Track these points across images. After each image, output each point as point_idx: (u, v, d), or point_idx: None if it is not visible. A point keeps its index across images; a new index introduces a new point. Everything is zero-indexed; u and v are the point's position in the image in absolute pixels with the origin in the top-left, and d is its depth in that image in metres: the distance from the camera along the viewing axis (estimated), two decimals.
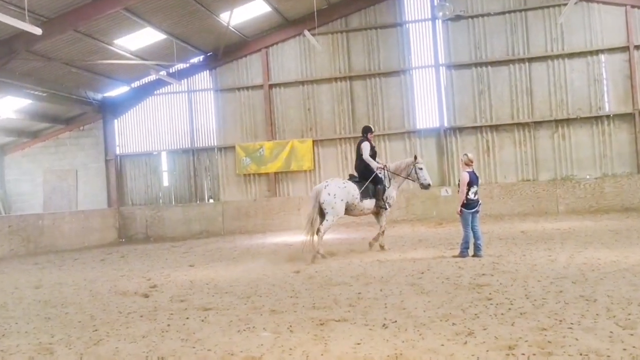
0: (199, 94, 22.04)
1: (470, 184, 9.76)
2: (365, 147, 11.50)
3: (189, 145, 21.97)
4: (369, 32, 20.64)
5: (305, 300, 6.96)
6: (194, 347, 5.09)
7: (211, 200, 21.74)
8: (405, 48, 20.43)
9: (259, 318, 6.11)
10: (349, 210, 11.39)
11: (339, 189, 11.20)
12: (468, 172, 9.90)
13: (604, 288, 6.48)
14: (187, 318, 6.35)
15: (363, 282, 7.96)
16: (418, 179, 11.60)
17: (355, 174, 11.74)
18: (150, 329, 5.92)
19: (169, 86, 21.87)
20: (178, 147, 22.07)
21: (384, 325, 5.45)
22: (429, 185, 11.69)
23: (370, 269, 9.12)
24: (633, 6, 18.53)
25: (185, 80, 21.87)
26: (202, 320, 6.17)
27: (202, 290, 8.24)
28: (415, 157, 11.73)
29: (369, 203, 11.44)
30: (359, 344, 4.85)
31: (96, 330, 6.04)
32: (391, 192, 11.70)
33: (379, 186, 11.47)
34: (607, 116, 18.85)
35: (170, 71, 21.48)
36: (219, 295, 7.68)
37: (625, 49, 18.68)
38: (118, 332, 5.85)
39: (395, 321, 5.56)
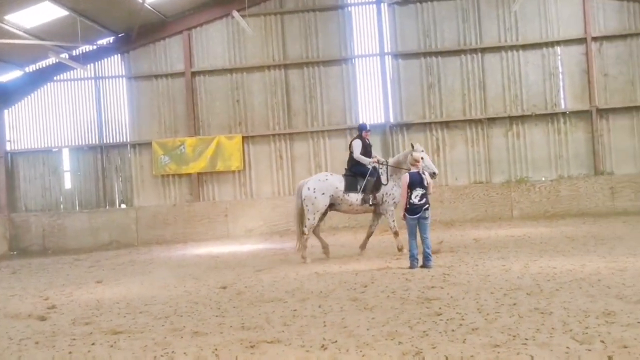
0: (109, 81, 21.43)
1: (411, 187, 9.99)
2: (356, 145, 12.20)
3: (97, 141, 21.30)
4: (306, 14, 20.73)
5: (233, 319, 6.90)
6: None
7: (123, 206, 21.16)
8: (347, 34, 20.66)
9: (179, 341, 5.99)
10: (336, 204, 12.20)
11: (320, 182, 12.11)
12: (410, 173, 10.15)
13: (560, 299, 6.77)
14: (93, 344, 6.15)
15: (299, 297, 7.97)
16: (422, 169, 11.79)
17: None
18: (48, 357, 5.70)
19: (72, 71, 21.15)
20: (83, 143, 21.35)
21: (322, 346, 5.47)
22: (435, 173, 11.60)
23: (307, 283, 9.14)
24: None
25: (92, 65, 21.20)
26: (111, 346, 5.99)
27: (112, 310, 8.03)
28: (413, 146, 11.85)
29: (355, 197, 11.99)
30: None
31: None
32: (390, 189, 11.99)
33: (368, 178, 11.88)
34: (564, 113, 19.78)
35: (74, 54, 20.76)
36: (131, 316, 7.49)
37: (582, 40, 19.67)
38: None
39: (336, 341, 5.59)
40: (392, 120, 20.40)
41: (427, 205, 10.08)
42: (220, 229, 19.90)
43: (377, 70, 20.65)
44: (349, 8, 20.76)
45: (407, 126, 20.38)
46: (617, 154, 19.47)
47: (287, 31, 20.81)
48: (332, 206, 12.29)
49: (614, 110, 19.54)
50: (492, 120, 20.04)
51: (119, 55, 21.25)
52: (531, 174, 19.77)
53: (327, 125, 20.59)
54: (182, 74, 20.96)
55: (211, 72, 20.97)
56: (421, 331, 5.76)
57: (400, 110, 20.45)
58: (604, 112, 19.56)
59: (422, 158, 11.15)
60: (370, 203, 12.00)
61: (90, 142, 21.35)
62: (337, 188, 12.01)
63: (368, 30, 20.77)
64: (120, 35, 20.87)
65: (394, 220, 11.98)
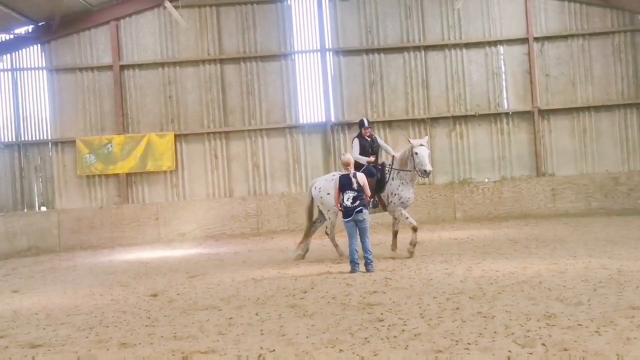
0: (28, 73, 20.67)
1: (341, 189, 10.20)
2: (355, 144, 12.17)
3: (13, 138, 20.51)
4: (243, 7, 20.62)
5: (164, 329, 6.80)
6: None
7: (43, 208, 20.45)
8: (287, 29, 20.67)
9: (105, 354, 5.87)
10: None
11: (325, 182, 12.26)
12: (341, 175, 10.39)
13: (502, 303, 6.99)
14: (10, 359, 5.95)
15: (235, 305, 7.94)
16: (414, 166, 11.63)
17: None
18: None
19: None
20: None
21: (260, 355, 5.47)
22: (426, 172, 11.43)
23: (243, 290, 9.11)
24: None
25: (9, 55, 20.41)
26: None
27: (30, 322, 7.77)
28: (409, 141, 11.80)
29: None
30: None
31: None
32: (395, 189, 11.83)
33: (368, 178, 11.44)
34: (506, 114, 20.41)
35: None
36: (52, 328, 7.27)
37: (524, 40, 20.35)
38: None
39: (274, 350, 5.59)
40: (333, 119, 20.53)
41: (360, 208, 10.22)
42: (151, 233, 19.54)
43: (317, 67, 20.73)
44: (289, 1, 20.76)
45: (349, 125, 20.54)
46: (558, 155, 20.24)
47: (224, 24, 20.63)
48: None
49: (555, 111, 20.31)
50: (435, 120, 20.46)
51: (39, 45, 20.53)
52: (474, 175, 20.30)
53: (265, 124, 20.53)
54: (109, 67, 20.45)
55: (141, 66, 20.55)
56: (362, 338, 5.82)
57: (342, 109, 20.60)
58: (545, 113, 20.30)
59: (416, 153, 11.45)
60: (371, 205, 11.67)
61: (7, 140, 20.52)
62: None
63: (308, 25, 20.84)
64: (40, 24, 20.16)
65: (407, 217, 11.78)
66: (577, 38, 20.33)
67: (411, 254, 11.59)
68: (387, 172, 12.01)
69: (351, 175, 10.34)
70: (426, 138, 12.41)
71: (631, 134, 20.15)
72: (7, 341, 6.72)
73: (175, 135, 20.36)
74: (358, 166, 11.64)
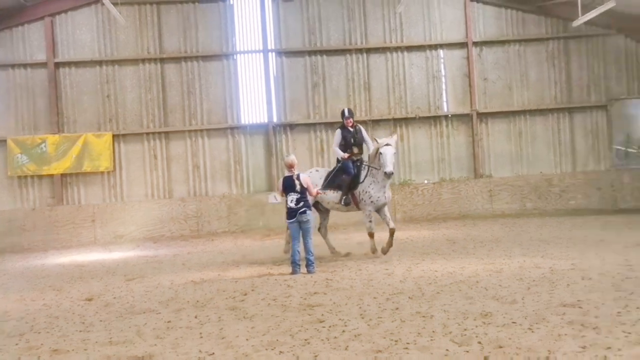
0: None
1: (285, 191, 10.29)
2: (336, 136, 12.12)
3: None
4: (185, 5, 20.34)
5: (100, 334, 6.65)
6: None
7: None
8: (229, 28, 20.51)
9: None
10: (318, 202, 12.03)
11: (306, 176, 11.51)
12: (284, 177, 10.43)
13: (441, 302, 7.12)
14: None
15: (174, 308, 7.83)
16: (379, 166, 11.55)
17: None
18: None
19: None
20: None
21: (199, 359, 5.41)
22: (387, 173, 11.30)
23: (182, 293, 8.99)
24: (472, 0, 20.73)
25: None
26: None
27: None
28: (376, 140, 11.70)
29: (333, 195, 11.85)
30: None
31: None
32: (367, 187, 11.69)
33: (344, 176, 11.63)
34: (446, 117, 20.83)
35: None
36: None
37: (463, 45, 20.82)
38: None
39: (213, 353, 5.55)
40: (275, 120, 20.48)
41: (304, 209, 10.26)
42: (87, 235, 19.05)
43: (260, 68, 20.64)
44: (231, 1, 20.59)
45: (291, 126, 20.56)
46: (495, 157, 20.79)
47: (164, 22, 20.30)
48: (317, 204, 12.12)
49: (492, 115, 20.85)
50: (376, 122, 20.67)
51: None
52: (414, 176, 20.62)
53: (206, 124, 20.30)
54: (43, 65, 19.80)
55: (78, 64, 19.98)
56: (303, 339, 5.83)
57: (284, 110, 20.58)
58: (483, 116, 20.82)
59: (381, 153, 11.44)
60: (343, 202, 11.74)
61: None
62: (316, 185, 11.41)
63: (251, 26, 20.71)
64: None
65: (370, 221, 11.72)
66: (513, 44, 20.93)
67: (385, 252, 11.57)
68: (362, 168, 11.78)
69: (294, 177, 10.35)
70: (394, 137, 12.41)
71: (563, 137, 20.88)
72: None
73: (113, 135, 19.90)
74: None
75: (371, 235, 11.75)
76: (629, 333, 5.35)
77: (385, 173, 11.34)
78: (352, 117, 12.15)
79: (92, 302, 8.80)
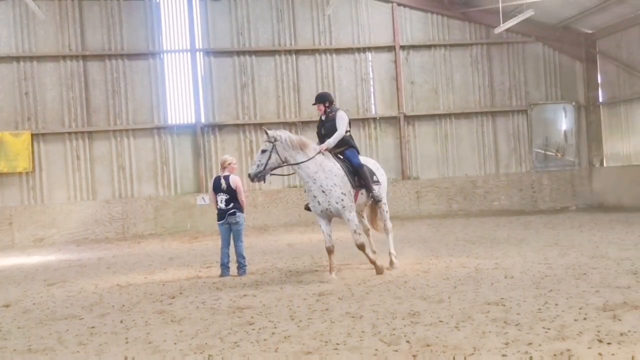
0: None
1: (215, 191, 10.20)
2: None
3: None
4: (108, 2, 19.85)
5: (18, 341, 6.36)
6: None
7: None
8: (156, 27, 20.14)
9: None
10: None
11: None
12: (215, 177, 10.33)
13: (370, 303, 7.21)
14: None
15: (98, 313, 7.60)
16: None
17: None
18: None
19: None
20: None
21: None
22: (249, 175, 9.47)
23: (107, 297, 8.75)
24: (399, 4, 21.14)
25: None
26: None
27: None
28: (266, 133, 9.79)
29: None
30: None
31: None
32: None
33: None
34: (374, 119, 21.13)
35: None
36: None
37: (391, 48, 21.20)
38: None
39: (137, 359, 5.43)
40: (203, 120, 20.23)
41: (234, 210, 10.15)
42: (3, 238, 18.29)
43: (187, 67, 20.38)
44: None
45: (220, 127, 20.36)
46: (422, 159, 21.28)
47: (86, 18, 19.71)
48: None
49: (419, 117, 21.33)
50: (305, 123, 20.72)
51: None
52: None
53: (132, 124, 19.83)
54: None
55: None
56: (232, 342, 5.77)
57: (213, 110, 20.37)
58: (410, 119, 21.26)
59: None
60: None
61: None
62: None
63: (178, 24, 20.44)
64: None
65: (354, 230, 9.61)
66: (439, 48, 21.48)
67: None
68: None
69: (222, 177, 10.23)
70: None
71: (487, 139, 21.59)
72: None
73: (32, 135, 19.15)
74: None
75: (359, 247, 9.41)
76: (549, 329, 5.57)
77: (250, 175, 9.52)
78: (322, 102, 10.36)
79: (9, 308, 8.40)
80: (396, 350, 5.20)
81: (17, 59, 19.29)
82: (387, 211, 10.40)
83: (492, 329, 5.70)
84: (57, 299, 8.87)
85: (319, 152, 9.54)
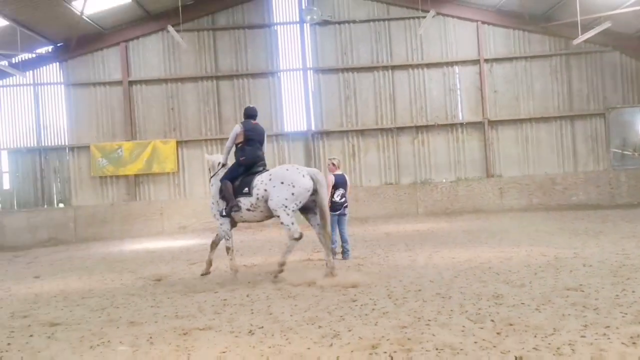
0: (48, 87, 20.38)
1: (335, 187, 10.12)
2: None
3: (35, 144, 20.21)
4: (236, 31, 20.54)
5: (168, 309, 6.71)
6: None
7: (61, 205, 20.17)
8: (274, 50, 20.63)
9: (115, 331, 5.77)
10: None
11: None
12: (335, 174, 10.25)
13: (458, 285, 7.03)
14: (31, 335, 5.82)
15: (229, 288, 7.86)
16: None
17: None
18: None
19: (11, 78, 19.97)
20: (22, 146, 20.20)
21: (250, 331, 5.43)
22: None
23: (236, 275, 8.99)
24: (484, 22, 20.42)
25: (31, 72, 20.11)
26: (49, 337, 5.68)
27: (49, 303, 7.61)
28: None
29: None
30: (224, 352, 4.78)
31: None
32: None
33: None
34: (461, 124, 20.56)
35: (13, 61, 19.61)
36: (68, 309, 7.14)
37: (476, 62, 20.53)
38: None
39: (262, 327, 5.56)
40: (313, 128, 20.53)
41: (346, 204, 10.21)
42: (156, 226, 19.37)
43: (300, 84, 20.72)
44: (275, 27, 20.73)
45: (327, 134, 20.57)
46: (504, 159, 20.45)
47: (219, 46, 20.53)
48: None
49: (502, 122, 20.51)
50: (400, 129, 20.54)
51: (58, 63, 20.26)
52: (434, 176, 20.43)
53: None
54: (119, 83, 20.24)
55: (148, 82, 20.37)
56: (338, 316, 5.81)
57: (321, 120, 20.61)
58: (494, 124, 20.49)
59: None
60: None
61: (29, 145, 20.23)
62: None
63: (292, 48, 20.82)
64: (59, 44, 19.90)
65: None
66: (520, 60, 20.55)
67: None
68: None
69: (345, 177, 10.31)
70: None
71: (565, 141, 20.42)
72: (30, 320, 6.60)
73: (177, 142, 20.21)
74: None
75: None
76: (626, 314, 5.21)
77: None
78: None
79: (160, 282, 8.89)
80: (482, 328, 5.05)
81: (166, 80, 20.41)
82: (282, 222, 8.30)
83: (572, 312, 5.41)
84: (197, 276, 9.27)
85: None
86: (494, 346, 4.52)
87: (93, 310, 6.96)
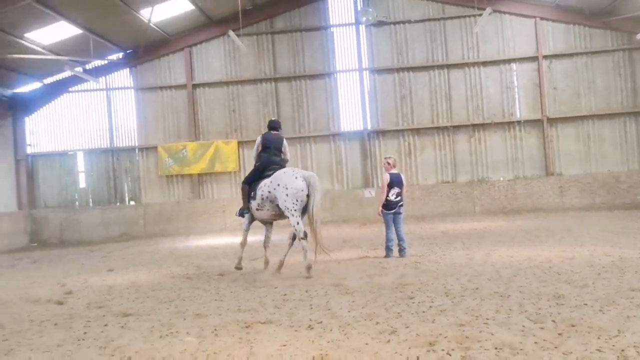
0: (118, 92, 21.23)
1: (390, 185, 10.02)
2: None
3: (108, 145, 21.11)
4: (294, 34, 20.73)
5: (230, 302, 6.85)
6: (112, 355, 4.88)
7: (132, 203, 20.98)
8: (330, 51, 20.68)
9: (182, 322, 5.94)
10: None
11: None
12: (390, 173, 10.14)
13: (517, 284, 6.82)
14: (106, 325, 6.07)
15: (288, 283, 7.93)
16: None
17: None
18: (66, 337, 5.61)
19: (85, 83, 20.92)
20: (96, 147, 21.15)
21: (309, 326, 5.46)
22: None
23: (295, 271, 9.09)
24: (542, 18, 19.74)
25: (104, 77, 21.02)
26: (122, 327, 5.92)
27: (122, 295, 7.92)
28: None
29: None
30: (284, 345, 4.84)
31: (6, 340, 5.64)
32: None
33: None
34: (519, 122, 19.96)
35: (87, 68, 20.55)
36: (140, 300, 7.41)
37: (534, 58, 19.87)
38: (30, 342, 5.50)
39: (321, 322, 5.58)
40: (369, 127, 20.45)
41: (402, 203, 10.09)
42: (218, 223, 19.82)
43: (356, 84, 20.69)
44: (332, 29, 20.78)
45: (383, 133, 20.45)
46: (565, 157, 19.71)
47: (277, 49, 20.77)
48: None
49: (562, 119, 19.77)
50: (456, 127, 20.17)
51: (128, 69, 21.07)
52: (491, 174, 19.94)
53: (312, 132, 20.59)
54: (184, 86, 20.84)
55: (210, 85, 20.87)
56: (396, 313, 5.77)
57: (377, 119, 20.51)
58: (553, 121, 19.78)
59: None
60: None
61: (102, 146, 21.15)
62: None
63: (348, 49, 20.81)
64: (128, 51, 20.70)
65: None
66: (581, 56, 19.75)
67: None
68: None
69: (401, 175, 10.20)
70: None
71: (629, 138, 19.48)
72: (105, 311, 6.89)
73: (238, 142, 20.61)
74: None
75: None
76: None
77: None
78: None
79: (223, 277, 9.06)
80: (542, 328, 4.88)
81: (227, 83, 20.85)
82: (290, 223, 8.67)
83: (637, 313, 5.14)
84: (258, 271, 9.41)
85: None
86: (555, 347, 4.36)
87: (162, 302, 7.17)
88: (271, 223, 9.81)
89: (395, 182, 10.04)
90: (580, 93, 19.75)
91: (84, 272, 10.95)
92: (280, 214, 9.03)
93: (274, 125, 9.81)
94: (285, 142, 9.69)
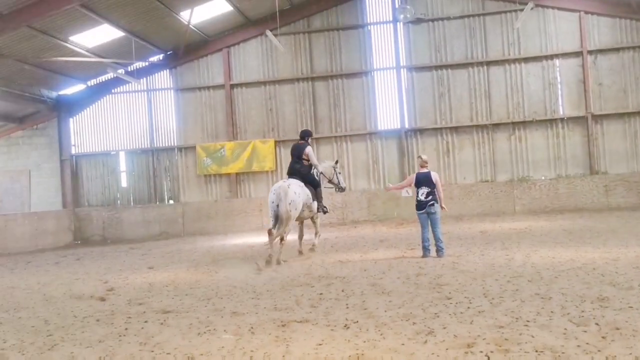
0: (159, 93, 21.68)
1: (417, 185, 9.95)
2: (313, 153, 11.54)
3: (149, 145, 21.58)
4: (331, 33, 20.73)
5: (267, 301, 6.91)
6: (152, 351, 4.99)
7: (171, 201, 21.40)
8: (367, 50, 20.60)
9: (220, 320, 6.04)
10: (300, 212, 10.80)
11: (301, 188, 10.73)
12: (417, 173, 10.11)
13: (559, 286, 6.66)
14: (146, 321, 6.22)
15: (325, 282, 7.96)
16: (338, 182, 12.00)
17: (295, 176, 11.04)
18: (107, 333, 5.78)
19: (127, 85, 21.44)
20: (137, 147, 21.65)
21: (345, 325, 5.46)
22: (345, 188, 12.39)
23: (332, 270, 9.12)
24: (587, 12, 19.17)
25: (145, 79, 21.48)
26: (161, 324, 6.06)
27: (162, 292, 8.10)
28: (337, 162, 12.40)
29: (315, 206, 11.19)
30: (320, 344, 4.85)
31: (50, 335, 5.85)
32: (320, 195, 11.46)
33: (318, 189, 11.31)
34: (562, 119, 19.45)
35: (129, 69, 21.05)
36: (178, 298, 7.56)
37: (578, 54, 19.31)
38: (73, 337, 5.69)
39: (357, 321, 5.58)
40: (407, 126, 20.29)
41: (432, 202, 9.93)
42: (255, 222, 19.98)
43: (393, 82, 20.55)
44: (369, 27, 20.69)
45: (421, 131, 20.25)
46: (610, 155, 19.10)
47: (314, 48, 20.82)
48: None
49: (607, 116, 19.16)
50: (496, 125, 19.80)
51: (168, 70, 21.49)
52: (532, 173, 19.49)
53: (349, 131, 20.55)
54: (222, 87, 21.11)
55: (247, 85, 21.08)
56: (433, 313, 5.72)
57: (415, 117, 20.32)
58: (598, 118, 19.20)
59: (339, 173, 12.24)
60: (325, 210, 11.47)
61: (143, 146, 21.64)
62: (309, 196, 10.91)
63: (385, 46, 20.68)
64: (168, 52, 21.11)
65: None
66: (628, 50, 19.09)
67: (301, 253, 11.38)
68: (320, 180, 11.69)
69: (432, 174, 10.06)
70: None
71: None
72: (145, 307, 7.06)
73: (275, 141, 20.75)
74: (309, 173, 11.34)
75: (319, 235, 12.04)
76: None
77: (345, 188, 12.65)
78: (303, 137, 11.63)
79: (260, 275, 9.16)
80: (585, 331, 4.75)
81: (264, 83, 21.02)
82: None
83: None
84: (294, 270, 9.46)
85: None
86: (599, 350, 4.24)
87: (200, 300, 7.29)
88: (301, 222, 11.65)
89: (421, 180, 9.96)
90: (627, 89, 19.09)
91: (125, 269, 11.24)
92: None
93: (301, 135, 11.58)
94: (308, 149, 11.12)
